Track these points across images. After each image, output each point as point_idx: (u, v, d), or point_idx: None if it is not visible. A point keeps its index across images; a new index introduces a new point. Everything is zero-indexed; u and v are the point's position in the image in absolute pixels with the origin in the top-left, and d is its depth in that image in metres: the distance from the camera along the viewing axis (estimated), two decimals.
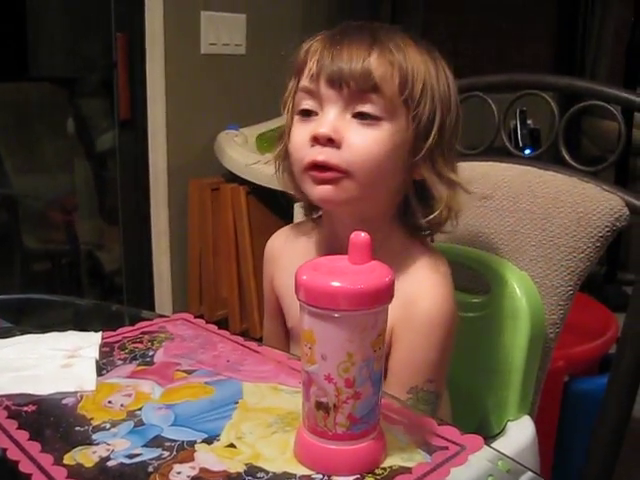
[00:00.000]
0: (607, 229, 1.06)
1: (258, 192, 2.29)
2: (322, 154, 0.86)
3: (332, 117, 0.87)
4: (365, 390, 0.62)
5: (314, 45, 0.91)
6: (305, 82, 0.90)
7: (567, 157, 1.15)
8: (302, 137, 0.89)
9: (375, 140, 0.87)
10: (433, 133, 0.90)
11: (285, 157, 0.97)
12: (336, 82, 0.86)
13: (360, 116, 0.87)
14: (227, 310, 2.44)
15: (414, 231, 0.97)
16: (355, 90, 0.86)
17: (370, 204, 0.91)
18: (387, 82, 0.86)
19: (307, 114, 0.90)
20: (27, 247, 3.06)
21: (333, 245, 0.95)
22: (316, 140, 0.87)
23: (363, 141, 0.86)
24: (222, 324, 2.41)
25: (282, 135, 0.98)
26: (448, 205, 0.92)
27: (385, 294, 0.61)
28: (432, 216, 0.93)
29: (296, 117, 0.92)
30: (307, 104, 0.90)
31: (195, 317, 1.02)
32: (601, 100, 1.15)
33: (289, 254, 1.04)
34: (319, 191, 0.88)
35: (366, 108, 0.87)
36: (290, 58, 0.95)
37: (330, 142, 0.86)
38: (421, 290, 0.90)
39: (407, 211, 0.95)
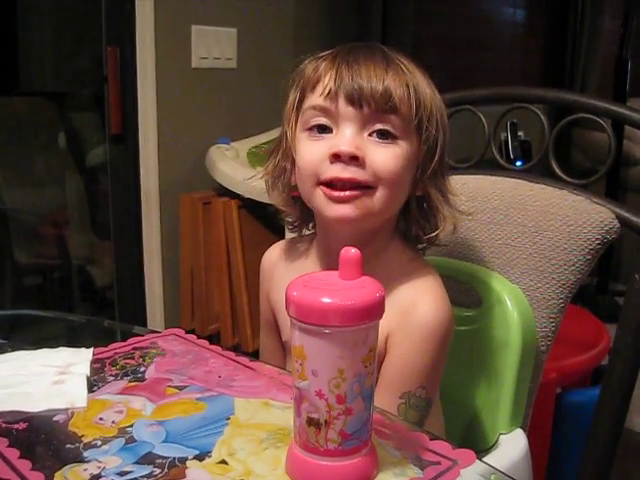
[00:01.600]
0: (598, 242, 1.06)
1: (250, 206, 2.29)
2: (347, 171, 0.86)
3: (351, 135, 0.87)
4: (356, 406, 0.62)
5: (326, 63, 0.90)
6: (318, 99, 0.89)
7: (557, 170, 1.16)
8: (317, 154, 0.88)
9: (395, 156, 0.88)
10: (438, 153, 0.92)
11: (279, 174, 0.97)
12: (356, 101, 0.86)
13: (379, 134, 0.87)
14: (219, 324, 2.43)
15: (410, 244, 0.99)
16: (374, 110, 0.87)
17: (379, 219, 0.92)
18: (404, 103, 0.88)
19: (321, 130, 0.89)
20: (18, 262, 3.05)
21: (329, 260, 0.96)
22: (337, 157, 0.86)
23: (385, 158, 0.87)
24: (214, 338, 2.41)
25: (274, 150, 0.98)
26: (450, 221, 0.95)
27: (376, 310, 0.61)
28: (438, 232, 0.95)
29: (305, 133, 0.91)
30: (320, 120, 0.89)
31: (187, 332, 1.01)
32: (591, 113, 1.16)
33: (285, 268, 1.04)
34: (336, 210, 0.88)
35: (385, 126, 0.87)
36: (292, 74, 0.95)
37: (353, 160, 0.86)
38: (418, 298, 0.91)
39: (407, 226, 0.97)
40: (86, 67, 2.95)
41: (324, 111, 0.89)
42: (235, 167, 2.31)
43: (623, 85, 3.43)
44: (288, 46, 2.69)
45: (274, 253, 1.08)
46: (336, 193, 0.87)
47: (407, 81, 0.88)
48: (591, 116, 1.15)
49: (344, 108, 0.87)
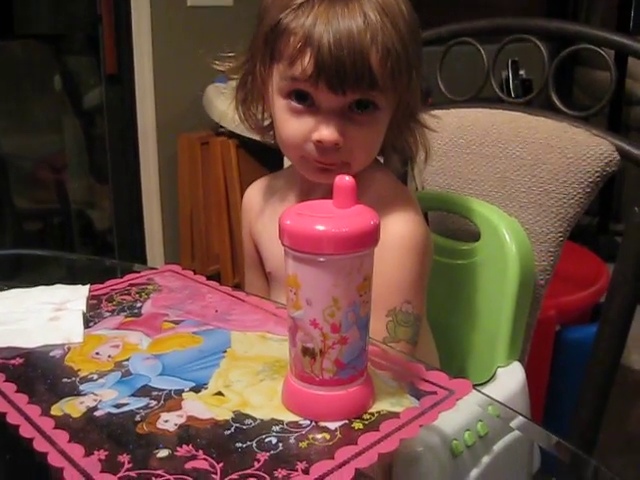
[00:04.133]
0: (597, 174, 1.05)
1: (248, 145, 2.27)
2: (327, 156, 0.87)
3: (334, 121, 0.85)
4: (351, 335, 0.61)
5: (304, 30, 0.82)
6: (299, 75, 0.84)
7: (557, 102, 1.14)
8: (299, 132, 0.87)
9: (374, 134, 0.88)
10: (413, 90, 0.89)
11: (251, 103, 0.98)
12: (339, 89, 0.82)
13: (359, 105, 0.85)
14: (219, 265, 2.43)
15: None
16: (356, 92, 0.84)
17: None
18: (386, 75, 0.83)
19: (300, 99, 0.86)
20: (18, 207, 3.05)
21: (309, 190, 0.96)
22: (320, 143, 0.85)
23: (364, 139, 0.88)
24: (214, 279, 2.40)
25: (245, 78, 0.98)
26: (424, 145, 0.95)
27: (370, 237, 0.60)
28: (413, 161, 0.98)
29: (283, 101, 0.88)
30: (300, 89, 0.85)
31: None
32: (593, 44, 1.13)
33: (266, 201, 1.05)
34: (319, 178, 0.90)
35: (365, 97, 0.85)
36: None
37: (336, 145, 0.85)
38: (392, 215, 0.90)
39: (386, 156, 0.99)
40: (81, 8, 2.90)
41: (305, 88, 0.85)
42: (232, 106, 2.28)
43: (627, 20, 3.38)
44: None
45: (254, 189, 1.09)
46: (323, 167, 0.88)
47: (385, 41, 0.82)
48: (593, 47, 1.13)
49: (326, 94, 0.83)
